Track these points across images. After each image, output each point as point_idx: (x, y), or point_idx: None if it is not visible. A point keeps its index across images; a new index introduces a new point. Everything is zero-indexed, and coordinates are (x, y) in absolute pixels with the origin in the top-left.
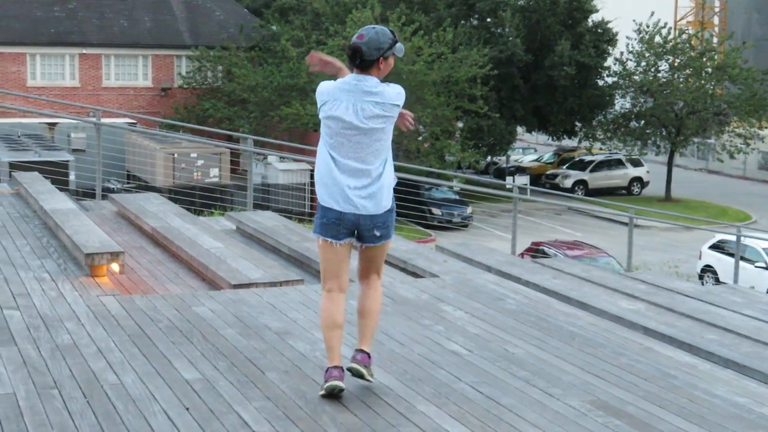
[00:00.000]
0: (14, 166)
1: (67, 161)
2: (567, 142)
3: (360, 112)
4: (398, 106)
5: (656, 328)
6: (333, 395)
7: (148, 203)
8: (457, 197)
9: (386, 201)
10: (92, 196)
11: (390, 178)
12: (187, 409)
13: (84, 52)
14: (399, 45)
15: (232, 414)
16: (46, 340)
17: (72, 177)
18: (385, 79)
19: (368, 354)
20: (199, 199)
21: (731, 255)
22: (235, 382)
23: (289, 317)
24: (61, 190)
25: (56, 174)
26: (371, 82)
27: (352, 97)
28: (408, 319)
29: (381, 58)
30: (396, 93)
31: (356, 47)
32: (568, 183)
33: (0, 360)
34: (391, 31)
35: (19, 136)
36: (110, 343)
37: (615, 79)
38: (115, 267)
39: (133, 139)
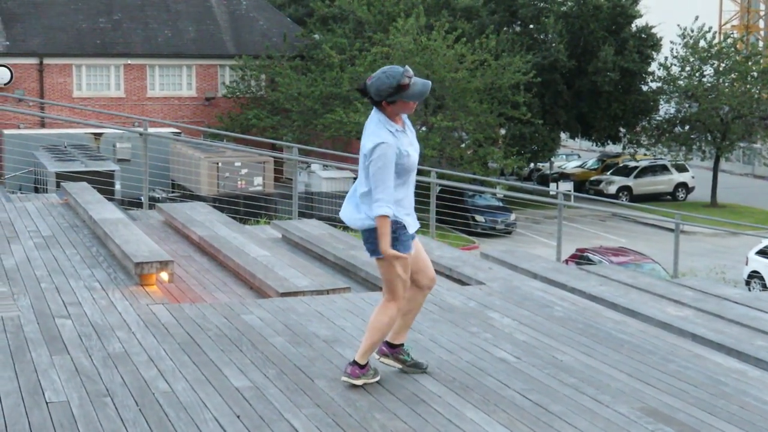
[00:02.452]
0: (61, 176)
1: (113, 171)
2: (611, 148)
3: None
4: (365, 155)
5: (705, 334)
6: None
7: (194, 212)
8: (501, 204)
9: (364, 220)
10: (137, 205)
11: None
12: (238, 416)
13: (129, 62)
14: (412, 90)
15: (282, 421)
16: (97, 349)
17: (117, 187)
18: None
19: (358, 365)
20: (243, 208)
21: None
22: (285, 390)
23: (337, 325)
24: (107, 199)
25: (102, 184)
26: (374, 116)
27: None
28: (455, 327)
29: (384, 101)
30: (368, 144)
31: (361, 87)
32: (612, 189)
33: (53, 368)
34: (405, 74)
35: (65, 147)
36: (161, 351)
37: (659, 84)
38: (164, 276)
39: (177, 148)
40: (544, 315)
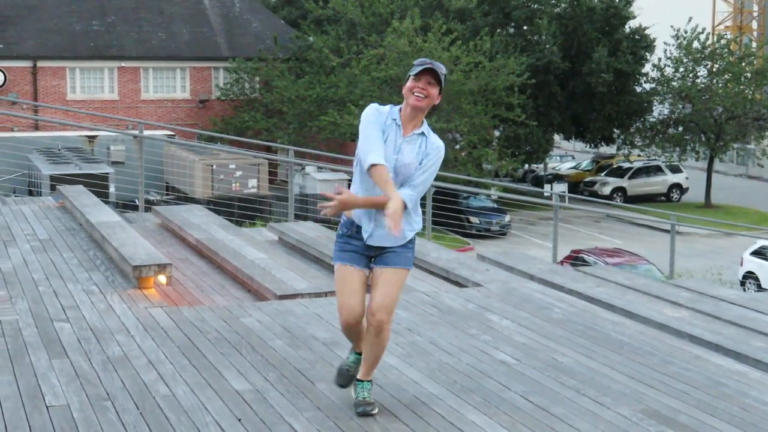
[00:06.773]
0: (55, 179)
1: (107, 174)
2: (605, 150)
3: None
4: None
5: (703, 335)
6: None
7: (191, 215)
8: (495, 205)
9: None
10: (132, 208)
11: None
12: (239, 420)
13: (123, 65)
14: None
15: (283, 424)
16: (97, 352)
17: (112, 189)
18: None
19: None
20: (238, 210)
21: None
22: (286, 393)
23: (336, 327)
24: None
25: (96, 186)
26: None
27: None
28: (455, 329)
29: None
30: None
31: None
32: (606, 190)
33: (53, 372)
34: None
35: (59, 150)
36: (160, 355)
37: (653, 85)
38: (162, 279)
39: (171, 150)
40: (542, 317)
